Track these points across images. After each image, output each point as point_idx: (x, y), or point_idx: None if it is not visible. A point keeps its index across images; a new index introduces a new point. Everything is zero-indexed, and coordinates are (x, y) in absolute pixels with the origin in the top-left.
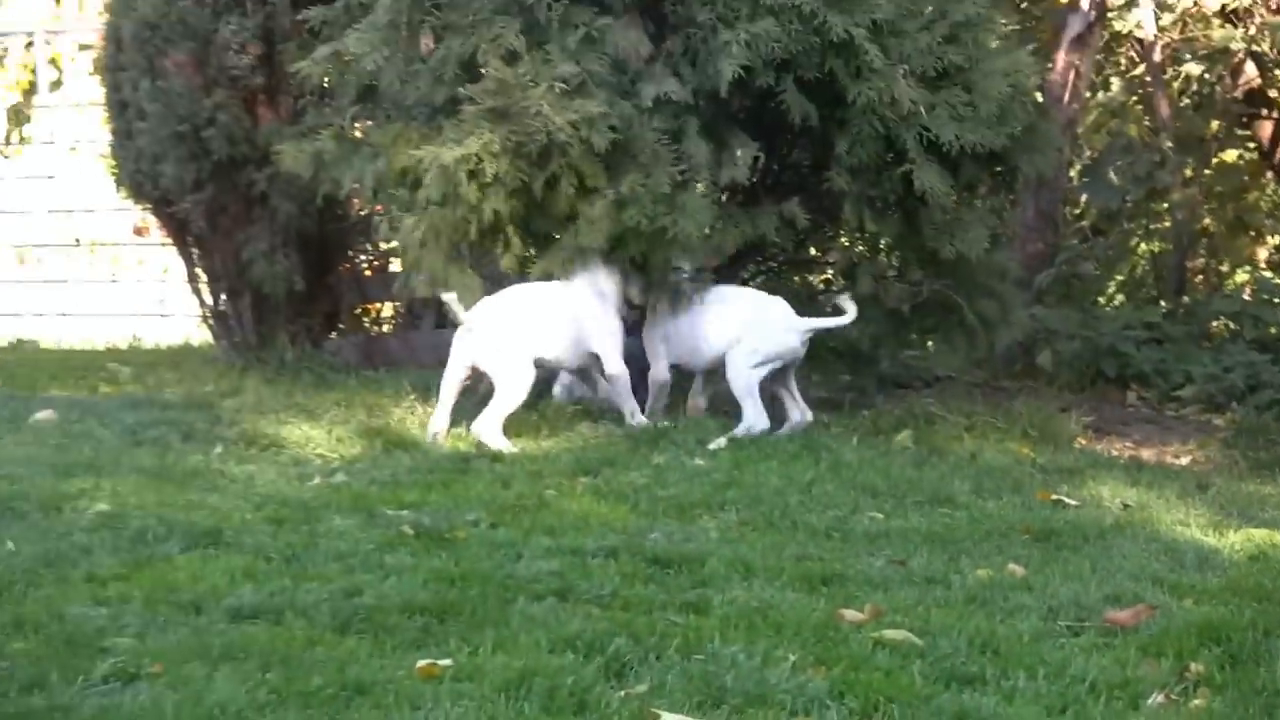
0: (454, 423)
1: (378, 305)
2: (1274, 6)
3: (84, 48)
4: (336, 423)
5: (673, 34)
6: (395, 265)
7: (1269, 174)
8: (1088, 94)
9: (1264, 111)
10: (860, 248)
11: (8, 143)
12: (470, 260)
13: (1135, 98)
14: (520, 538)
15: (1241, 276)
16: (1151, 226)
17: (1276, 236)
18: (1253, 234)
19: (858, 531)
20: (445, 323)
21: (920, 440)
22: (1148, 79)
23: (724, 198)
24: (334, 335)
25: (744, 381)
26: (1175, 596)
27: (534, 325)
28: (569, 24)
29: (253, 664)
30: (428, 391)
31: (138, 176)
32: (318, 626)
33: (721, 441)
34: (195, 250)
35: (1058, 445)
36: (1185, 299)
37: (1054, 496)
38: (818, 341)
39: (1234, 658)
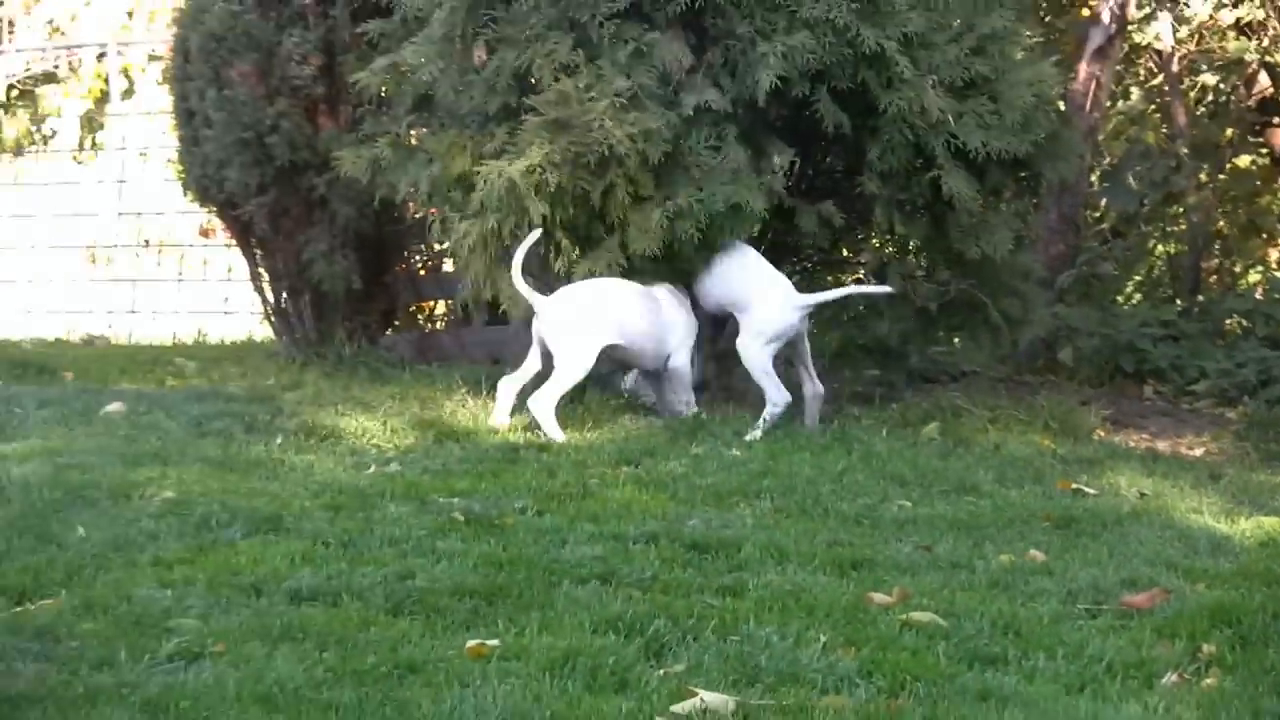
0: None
1: (431, 303)
2: None
3: (154, 58)
4: (391, 415)
5: (713, 46)
6: (448, 265)
7: None
8: (1108, 103)
9: (1276, 119)
10: (890, 249)
11: (81, 149)
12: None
13: (1153, 106)
14: (565, 524)
15: (1254, 276)
16: (1168, 229)
17: None
18: (1264, 236)
19: (886, 518)
20: (496, 320)
21: (946, 432)
22: (1165, 88)
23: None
24: (389, 332)
25: (759, 362)
26: (1189, 581)
27: (606, 314)
28: (620, 39)
29: (310, 644)
30: (478, 386)
31: (204, 181)
32: (372, 608)
33: (757, 433)
34: (258, 251)
35: (1077, 437)
36: (1200, 298)
37: (1074, 486)
38: (849, 338)
39: (1244, 639)
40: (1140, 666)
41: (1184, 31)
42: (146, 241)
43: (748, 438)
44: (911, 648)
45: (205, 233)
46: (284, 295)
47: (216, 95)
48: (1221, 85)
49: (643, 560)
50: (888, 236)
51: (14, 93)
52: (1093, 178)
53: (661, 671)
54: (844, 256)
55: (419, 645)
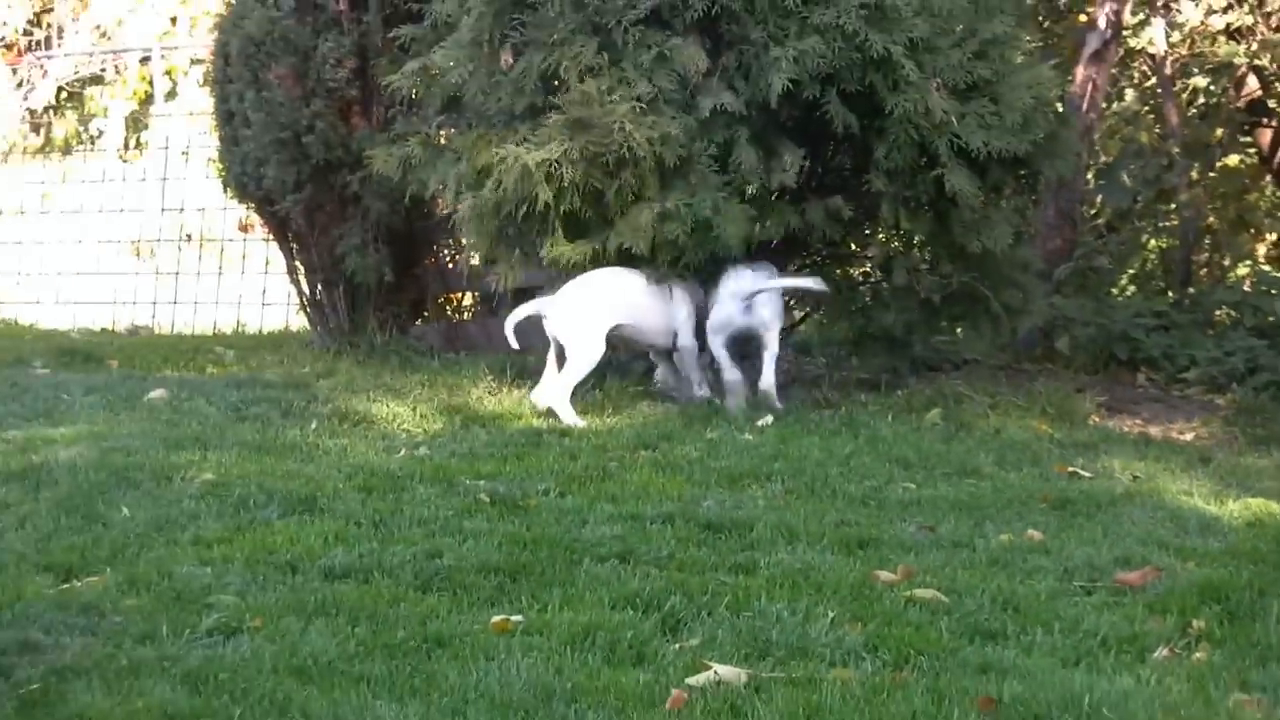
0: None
1: (459, 295)
2: (1274, 25)
3: (195, 62)
4: (420, 401)
5: (727, 50)
6: (475, 259)
7: (1268, 177)
8: (1104, 104)
9: (1264, 120)
10: (896, 243)
11: (126, 148)
12: (523, 246)
13: (1147, 107)
14: (586, 505)
15: (1242, 270)
16: (1161, 224)
17: (1274, 233)
18: (1253, 231)
19: (891, 500)
20: None
21: (949, 417)
22: (1159, 90)
23: (774, 196)
24: (419, 322)
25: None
26: (1179, 559)
27: (608, 297)
28: (643, 44)
29: (343, 619)
30: (504, 373)
31: (243, 178)
32: (402, 585)
33: (768, 419)
34: (294, 245)
35: (1074, 422)
36: (1191, 290)
37: (1070, 469)
38: (856, 328)
39: (1232, 615)
40: (1133, 641)
41: (1176, 36)
42: (188, 236)
43: (760, 423)
44: (915, 623)
45: (244, 228)
46: (319, 287)
47: (255, 97)
48: (1212, 87)
49: (659, 539)
50: (894, 231)
51: (63, 94)
52: (1089, 175)
53: (677, 645)
54: (851, 250)
55: (446, 620)
